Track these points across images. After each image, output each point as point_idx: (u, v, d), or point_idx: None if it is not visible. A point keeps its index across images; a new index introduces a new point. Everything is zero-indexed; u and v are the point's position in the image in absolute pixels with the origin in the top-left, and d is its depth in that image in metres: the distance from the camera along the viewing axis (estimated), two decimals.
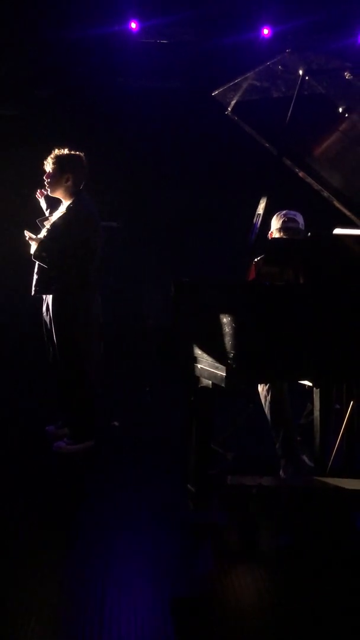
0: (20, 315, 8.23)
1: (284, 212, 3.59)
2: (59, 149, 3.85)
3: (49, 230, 3.77)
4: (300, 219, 3.60)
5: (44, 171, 3.86)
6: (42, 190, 4.02)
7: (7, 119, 8.39)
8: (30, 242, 3.81)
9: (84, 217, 3.76)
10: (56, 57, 6.67)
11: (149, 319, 8.70)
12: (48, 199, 4.02)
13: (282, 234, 3.53)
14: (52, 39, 6.31)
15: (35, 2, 6.17)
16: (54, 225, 3.78)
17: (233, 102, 3.02)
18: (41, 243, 3.74)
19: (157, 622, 2.16)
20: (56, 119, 7.63)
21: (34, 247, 3.77)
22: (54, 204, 3.99)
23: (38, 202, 4.12)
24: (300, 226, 3.58)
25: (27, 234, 3.81)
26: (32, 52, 6.59)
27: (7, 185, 7.97)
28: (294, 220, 3.57)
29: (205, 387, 2.64)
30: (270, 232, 3.57)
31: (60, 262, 3.72)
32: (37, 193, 4.08)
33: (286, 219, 3.55)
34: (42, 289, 3.80)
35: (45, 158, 3.86)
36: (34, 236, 3.79)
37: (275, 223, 3.58)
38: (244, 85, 2.88)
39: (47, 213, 4.01)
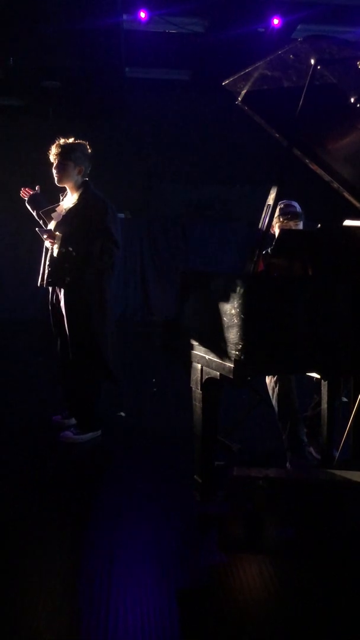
0: (24, 305, 8.25)
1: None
2: (64, 139, 3.81)
3: (66, 222, 3.76)
4: (296, 204, 3.64)
5: (49, 161, 3.84)
6: (27, 189, 3.96)
7: (14, 110, 8.36)
8: (46, 239, 3.80)
9: (101, 204, 3.76)
10: (63, 48, 6.64)
11: (155, 309, 8.71)
12: (33, 200, 3.95)
13: (282, 219, 3.53)
14: (59, 29, 6.28)
15: None
16: (70, 215, 3.77)
17: (243, 92, 2.98)
18: (62, 238, 3.72)
19: (163, 613, 2.17)
20: (63, 110, 7.58)
21: (56, 246, 3.74)
22: (43, 202, 3.95)
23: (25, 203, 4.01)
24: (298, 210, 3.60)
25: (41, 231, 3.80)
26: (39, 43, 6.56)
27: (15, 175, 7.98)
28: (291, 205, 3.61)
29: (213, 379, 2.63)
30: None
31: (86, 250, 3.70)
32: (22, 193, 3.99)
33: (283, 205, 3.58)
34: (56, 281, 3.79)
35: (52, 149, 3.84)
36: (53, 232, 3.76)
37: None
38: (255, 75, 2.84)
39: (34, 214, 3.96)
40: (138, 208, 8.46)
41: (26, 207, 4.01)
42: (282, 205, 3.58)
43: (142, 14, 6.57)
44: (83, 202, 3.77)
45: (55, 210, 3.87)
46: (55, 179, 3.83)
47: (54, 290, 3.88)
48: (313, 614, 2.19)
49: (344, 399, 3.47)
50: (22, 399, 4.88)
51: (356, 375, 3.11)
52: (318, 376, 3.18)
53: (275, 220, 3.56)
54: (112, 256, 3.74)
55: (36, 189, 3.99)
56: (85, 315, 3.74)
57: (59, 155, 3.77)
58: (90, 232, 3.71)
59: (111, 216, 3.76)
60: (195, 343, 2.73)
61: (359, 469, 2.98)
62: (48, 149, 3.85)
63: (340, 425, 3.21)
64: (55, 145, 3.81)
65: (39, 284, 3.88)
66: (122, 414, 4.47)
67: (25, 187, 4.01)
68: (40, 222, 3.96)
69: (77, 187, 3.83)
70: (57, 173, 3.81)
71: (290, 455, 3.31)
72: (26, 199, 3.99)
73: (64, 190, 3.93)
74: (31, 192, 3.98)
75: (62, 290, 3.77)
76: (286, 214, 3.56)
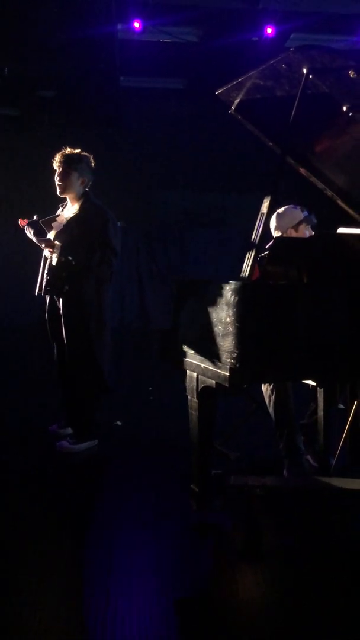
0: (23, 311, 8.23)
1: (292, 205, 3.56)
2: (70, 149, 3.82)
3: (67, 231, 3.76)
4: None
5: (47, 170, 3.85)
6: (25, 220, 3.87)
7: (9, 119, 8.37)
8: (45, 248, 3.79)
9: (102, 214, 3.78)
10: (59, 57, 6.66)
11: (152, 317, 8.71)
12: (33, 224, 3.85)
13: (304, 225, 3.48)
14: (54, 39, 6.31)
15: (37, 2, 6.16)
16: (71, 225, 3.77)
17: (237, 101, 3.00)
18: (62, 247, 3.73)
19: (160, 622, 2.16)
20: (59, 119, 7.60)
21: (55, 255, 3.74)
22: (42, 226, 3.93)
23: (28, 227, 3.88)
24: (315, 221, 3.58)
25: (37, 239, 3.80)
26: (34, 53, 6.59)
27: (8, 185, 7.99)
28: (313, 216, 3.56)
29: (209, 387, 2.63)
30: (288, 229, 3.51)
31: (86, 260, 3.71)
32: (20, 223, 3.87)
33: (306, 212, 3.53)
34: (54, 289, 3.79)
35: (48, 158, 3.84)
36: (52, 241, 3.76)
37: (293, 218, 3.51)
38: (248, 84, 2.86)
39: (34, 239, 3.85)
40: (134, 216, 8.47)
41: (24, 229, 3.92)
42: (305, 212, 3.51)
43: (137, 24, 6.60)
44: (84, 212, 3.78)
45: (56, 220, 3.87)
46: (58, 189, 3.82)
47: (52, 299, 3.88)
48: (311, 623, 2.18)
49: (341, 406, 3.47)
50: (20, 405, 4.88)
51: (352, 382, 3.11)
52: (314, 383, 3.18)
53: (299, 225, 3.52)
54: (111, 266, 3.76)
55: (34, 217, 3.92)
56: (83, 324, 3.75)
57: (64, 163, 3.78)
58: (90, 242, 3.72)
59: (112, 226, 3.77)
60: (190, 351, 2.73)
61: (355, 476, 2.99)
62: (44, 157, 3.86)
63: (337, 433, 3.22)
64: (60, 153, 3.81)
65: (36, 293, 3.88)
66: (119, 422, 4.47)
67: (22, 218, 3.89)
68: (42, 245, 3.86)
69: (78, 197, 3.84)
70: (60, 181, 3.81)
71: (287, 463, 3.31)
72: (24, 227, 3.89)
73: (63, 198, 3.94)
74: (28, 221, 3.88)
75: (60, 299, 3.78)
76: (312, 222, 3.51)
